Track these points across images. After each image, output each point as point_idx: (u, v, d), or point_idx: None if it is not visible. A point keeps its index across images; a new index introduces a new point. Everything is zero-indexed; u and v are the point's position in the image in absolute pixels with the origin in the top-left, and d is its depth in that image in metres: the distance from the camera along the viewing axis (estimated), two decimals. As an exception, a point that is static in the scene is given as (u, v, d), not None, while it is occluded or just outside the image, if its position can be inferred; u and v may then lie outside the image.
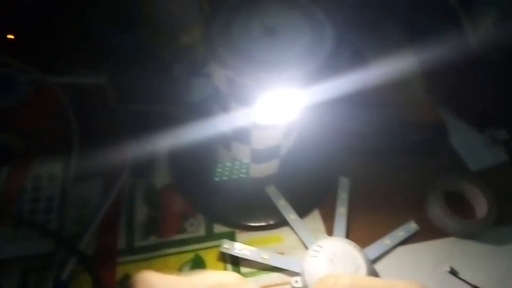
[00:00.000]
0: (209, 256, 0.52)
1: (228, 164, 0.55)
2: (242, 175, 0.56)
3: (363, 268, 0.47)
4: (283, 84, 0.40)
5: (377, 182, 0.59)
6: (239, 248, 0.51)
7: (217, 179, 0.56)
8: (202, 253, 0.52)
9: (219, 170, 0.55)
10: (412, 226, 0.54)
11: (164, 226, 0.54)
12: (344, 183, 0.57)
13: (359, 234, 0.54)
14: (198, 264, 0.51)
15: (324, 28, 0.41)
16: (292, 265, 0.50)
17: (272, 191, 0.56)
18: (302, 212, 0.55)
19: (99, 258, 0.51)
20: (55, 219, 0.52)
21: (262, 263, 0.50)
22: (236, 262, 0.51)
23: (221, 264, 0.51)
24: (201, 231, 0.54)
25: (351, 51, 0.62)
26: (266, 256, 0.50)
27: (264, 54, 0.39)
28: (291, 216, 0.54)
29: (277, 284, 0.50)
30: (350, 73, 0.53)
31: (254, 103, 0.42)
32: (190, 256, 0.52)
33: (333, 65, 0.57)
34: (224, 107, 0.46)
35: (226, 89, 0.43)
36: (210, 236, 0.53)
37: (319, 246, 0.49)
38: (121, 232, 0.53)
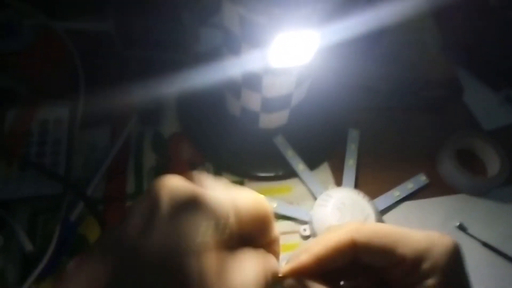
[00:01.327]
0: (217, 204, 0.52)
1: (238, 112, 0.54)
2: (252, 125, 0.55)
3: (371, 218, 0.47)
4: (297, 23, 0.38)
5: (389, 137, 0.59)
6: None
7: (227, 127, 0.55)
8: (210, 200, 0.52)
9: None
10: (422, 179, 0.54)
11: (172, 173, 0.53)
12: (353, 134, 0.56)
13: (368, 185, 0.53)
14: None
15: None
16: (300, 214, 0.50)
17: (280, 142, 0.55)
18: (312, 165, 0.55)
19: (108, 201, 0.51)
20: (62, 162, 0.52)
21: (270, 211, 0.50)
22: (244, 209, 0.51)
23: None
24: (210, 180, 0.53)
25: (364, 1, 0.60)
26: (274, 204, 0.50)
27: (279, -11, 0.38)
28: (299, 166, 0.53)
29: (285, 232, 0.50)
30: (364, 16, 0.51)
31: (267, 45, 0.41)
32: (198, 203, 0.52)
33: (348, 14, 0.55)
34: (234, 50, 0.44)
35: (237, 29, 0.42)
36: (219, 184, 0.53)
37: (328, 195, 0.49)
38: (130, 178, 0.53)
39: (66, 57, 0.59)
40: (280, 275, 0.27)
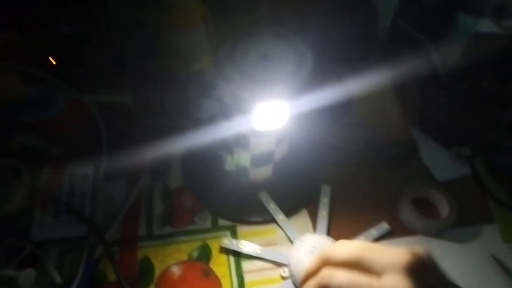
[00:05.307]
0: (214, 244, 0.62)
1: (232, 168, 0.66)
2: (243, 178, 0.67)
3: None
4: (273, 97, 0.52)
5: (357, 189, 0.70)
6: (236, 244, 0.61)
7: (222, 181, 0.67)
8: (208, 242, 0.62)
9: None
10: (384, 226, 0.64)
11: (177, 219, 0.65)
12: (325, 189, 0.68)
13: (339, 232, 0.64)
14: (205, 250, 0.61)
15: (306, 55, 0.54)
16: (280, 258, 0.60)
17: (264, 196, 0.67)
18: (292, 211, 0.66)
19: (123, 242, 0.62)
20: (87, 211, 0.64)
21: (256, 254, 0.61)
22: (236, 252, 0.61)
23: (223, 252, 0.61)
24: (208, 224, 0.64)
25: (335, 79, 0.74)
26: (259, 251, 0.60)
27: (259, 74, 0.52)
28: (279, 217, 0.64)
29: (271, 268, 0.60)
30: (331, 91, 0.65)
31: (252, 112, 0.54)
32: (198, 243, 0.62)
33: (319, 89, 0.69)
34: (227, 116, 0.58)
35: (230, 101, 0.55)
36: (215, 228, 0.64)
37: (302, 241, 0.59)
38: (142, 223, 0.64)
39: (92, 124, 0.72)
40: None
